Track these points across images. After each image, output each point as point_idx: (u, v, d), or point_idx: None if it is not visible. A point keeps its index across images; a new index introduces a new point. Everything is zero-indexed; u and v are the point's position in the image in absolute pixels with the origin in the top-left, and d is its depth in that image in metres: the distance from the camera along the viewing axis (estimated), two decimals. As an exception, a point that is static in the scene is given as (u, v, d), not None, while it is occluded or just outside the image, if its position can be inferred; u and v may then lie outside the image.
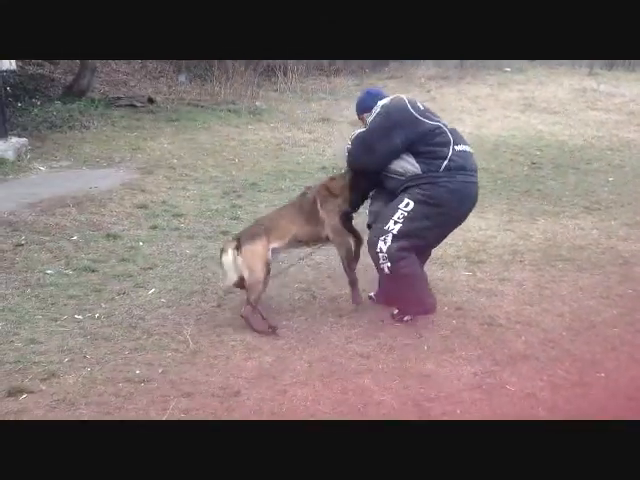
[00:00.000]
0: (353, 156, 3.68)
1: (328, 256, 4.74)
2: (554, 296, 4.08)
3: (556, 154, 8.09)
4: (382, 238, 3.54)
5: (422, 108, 3.58)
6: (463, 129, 9.21)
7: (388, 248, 3.53)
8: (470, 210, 3.70)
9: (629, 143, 8.71)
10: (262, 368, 3.19)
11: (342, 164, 7.59)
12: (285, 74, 13.08)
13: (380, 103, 3.62)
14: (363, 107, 3.76)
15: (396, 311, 3.76)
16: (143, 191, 6.19)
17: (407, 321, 3.72)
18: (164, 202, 5.92)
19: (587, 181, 6.89)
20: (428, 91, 12.26)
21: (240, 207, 5.91)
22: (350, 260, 3.75)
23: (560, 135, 9.18)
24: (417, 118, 3.51)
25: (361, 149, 3.61)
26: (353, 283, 3.79)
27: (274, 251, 3.65)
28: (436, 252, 4.81)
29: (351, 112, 10.73)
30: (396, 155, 3.54)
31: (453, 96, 11.96)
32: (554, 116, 10.40)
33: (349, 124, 9.94)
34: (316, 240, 3.78)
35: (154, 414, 2.77)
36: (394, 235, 3.51)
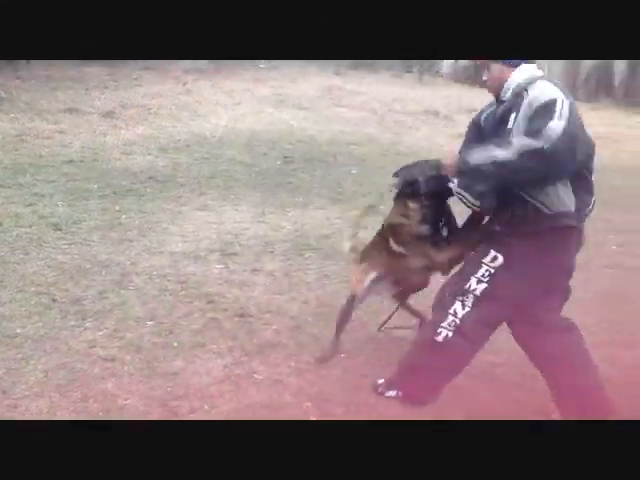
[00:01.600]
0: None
1: (72, 255, 4.42)
2: (301, 284, 4.26)
3: (306, 148, 8.47)
4: (460, 298, 2.74)
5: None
6: (218, 122, 9.33)
7: (464, 316, 2.73)
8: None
9: (370, 138, 9.44)
10: (-12, 383, 2.86)
11: (91, 156, 7.22)
12: (28, 60, 11.96)
13: (542, 92, 2.52)
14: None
15: (381, 381, 3.03)
16: None
17: (391, 396, 2.96)
18: None
19: (333, 174, 7.31)
20: (184, 84, 12.07)
21: (-32, 205, 5.25)
22: None
23: (310, 130, 9.63)
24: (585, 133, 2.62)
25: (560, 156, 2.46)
26: None
27: None
28: (189, 247, 4.77)
29: (102, 102, 10.29)
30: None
31: (209, 90, 11.92)
32: (304, 112, 10.88)
33: (100, 115, 9.40)
34: None
35: None
36: (476, 297, 2.71)
